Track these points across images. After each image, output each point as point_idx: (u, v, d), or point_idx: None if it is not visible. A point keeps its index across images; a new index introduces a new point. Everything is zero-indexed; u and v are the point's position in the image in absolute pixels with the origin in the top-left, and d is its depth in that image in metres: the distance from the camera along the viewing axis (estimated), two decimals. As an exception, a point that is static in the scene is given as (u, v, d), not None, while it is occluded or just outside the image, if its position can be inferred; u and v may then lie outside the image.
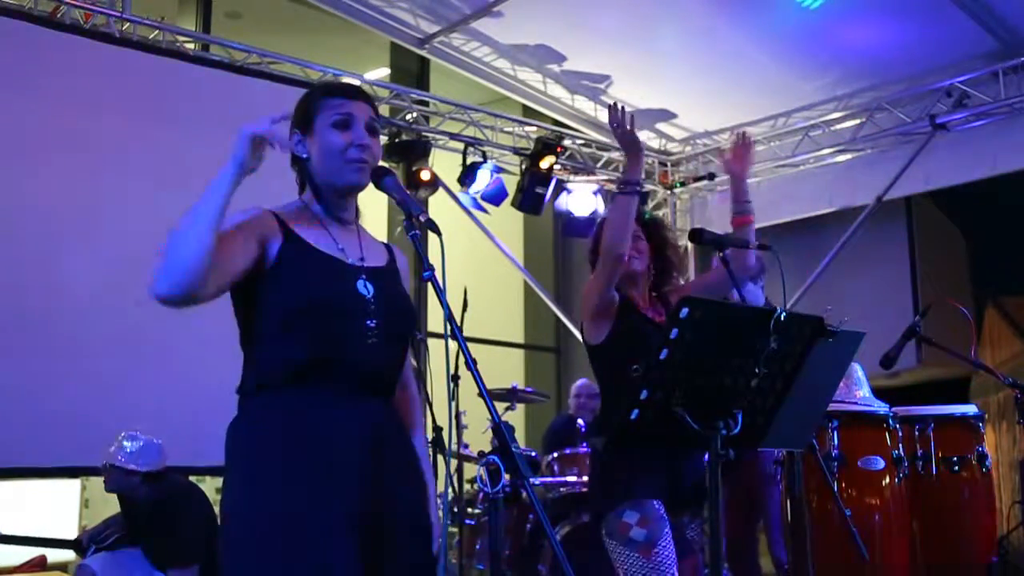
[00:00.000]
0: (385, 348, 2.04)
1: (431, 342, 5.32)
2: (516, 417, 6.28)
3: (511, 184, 7.11)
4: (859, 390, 3.94)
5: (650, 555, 2.66)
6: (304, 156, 2.11)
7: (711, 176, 7.75)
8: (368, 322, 2.02)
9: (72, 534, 5.78)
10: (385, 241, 2.29)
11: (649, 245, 3.08)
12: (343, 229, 2.13)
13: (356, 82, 6.59)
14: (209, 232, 1.87)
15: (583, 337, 3.02)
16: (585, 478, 4.92)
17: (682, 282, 3.36)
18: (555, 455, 5.46)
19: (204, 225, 1.88)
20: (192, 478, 4.81)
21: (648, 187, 8.02)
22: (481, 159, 6.93)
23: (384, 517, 1.99)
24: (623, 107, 2.91)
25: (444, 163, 6.99)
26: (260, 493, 1.93)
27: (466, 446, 5.31)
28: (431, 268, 1.93)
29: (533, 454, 5.76)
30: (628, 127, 2.88)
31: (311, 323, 1.97)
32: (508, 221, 8.11)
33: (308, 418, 1.97)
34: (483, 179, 6.89)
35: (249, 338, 2.05)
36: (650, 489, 2.74)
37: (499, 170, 7.06)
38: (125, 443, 4.20)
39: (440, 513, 2.19)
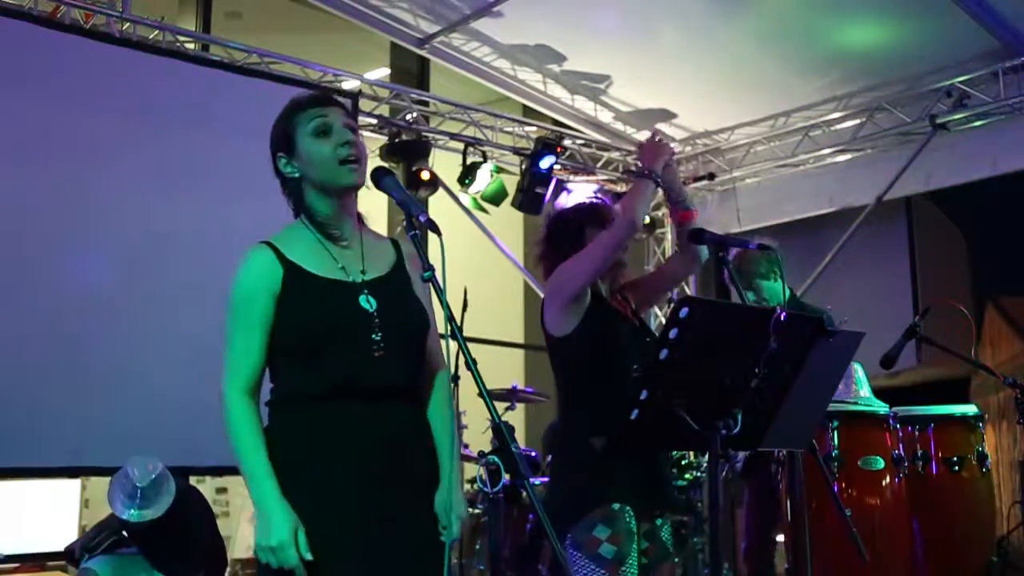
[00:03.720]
0: (395, 358, 2.08)
1: (431, 342, 5.32)
2: (516, 417, 6.28)
3: (511, 184, 7.11)
4: (859, 390, 3.94)
5: (617, 572, 2.62)
6: (295, 175, 2.12)
7: (711, 176, 7.74)
8: (374, 335, 2.05)
9: (72, 534, 5.77)
10: (390, 237, 2.29)
11: None
12: (343, 243, 2.15)
13: (356, 82, 6.59)
14: None
15: (545, 326, 2.87)
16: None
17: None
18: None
19: None
20: (192, 479, 4.81)
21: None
22: (481, 159, 6.93)
23: (398, 526, 2.04)
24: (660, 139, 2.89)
25: (444, 163, 6.98)
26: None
27: (466, 446, 5.31)
28: (431, 268, 1.95)
29: (533, 454, 5.76)
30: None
31: (317, 349, 2.04)
32: (508, 221, 8.10)
33: (328, 432, 2.03)
34: (483, 179, 6.89)
35: (271, 356, 2.10)
36: (622, 495, 2.68)
37: (499, 170, 7.06)
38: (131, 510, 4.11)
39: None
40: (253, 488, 1.99)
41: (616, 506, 2.67)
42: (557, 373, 2.93)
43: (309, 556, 1.94)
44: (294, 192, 2.16)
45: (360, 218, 2.22)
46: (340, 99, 2.24)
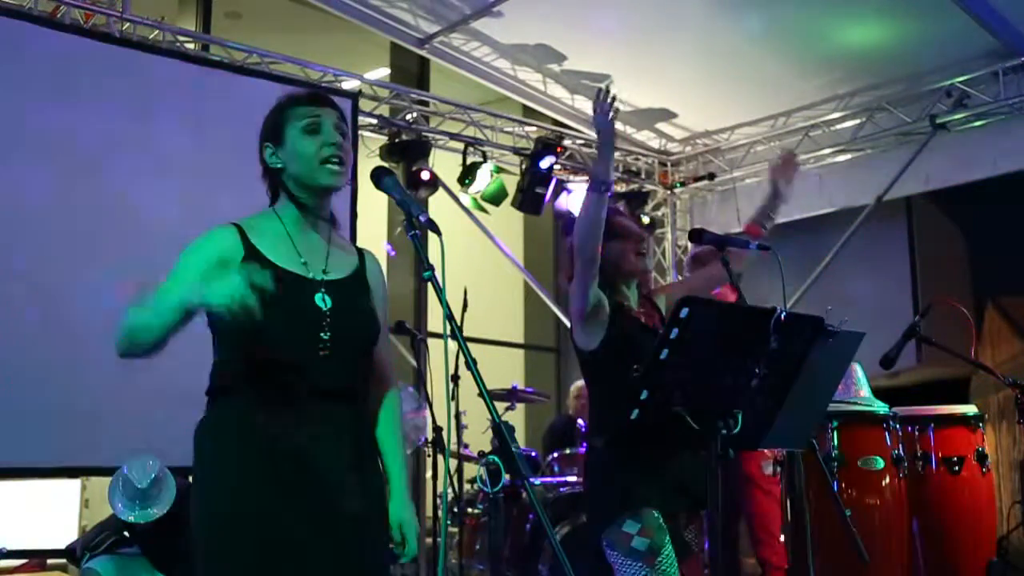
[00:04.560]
0: (340, 360, 2.06)
1: (431, 342, 5.32)
2: (516, 417, 6.29)
3: (511, 184, 7.11)
4: (859, 390, 3.94)
5: (654, 563, 2.67)
6: (278, 166, 2.13)
7: (711, 176, 7.75)
8: (322, 335, 2.04)
9: (72, 534, 5.77)
10: (360, 248, 2.30)
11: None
12: (310, 240, 2.14)
13: (356, 82, 6.59)
14: (164, 332, 2.03)
15: (573, 342, 2.96)
16: (585, 478, 4.91)
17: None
18: (555, 455, 5.47)
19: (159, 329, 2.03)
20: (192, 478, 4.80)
21: (648, 187, 8.02)
22: (481, 159, 6.94)
23: (338, 524, 2.01)
24: (613, 95, 2.78)
25: (444, 163, 6.99)
26: (215, 498, 2.01)
27: (466, 446, 5.31)
28: (431, 268, 1.94)
29: (533, 454, 5.76)
30: (611, 115, 2.76)
31: (265, 336, 2.00)
32: (508, 221, 8.11)
33: (262, 425, 2.01)
34: (483, 179, 6.90)
35: (214, 344, 2.11)
36: (649, 495, 2.72)
37: (499, 170, 7.07)
38: (134, 511, 4.12)
39: (441, 513, 2.20)
40: (166, 294, 1.98)
41: (644, 505, 2.72)
42: (587, 383, 3.05)
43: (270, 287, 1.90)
44: (273, 182, 2.17)
45: (333, 220, 2.22)
46: (337, 101, 2.23)
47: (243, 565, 1.94)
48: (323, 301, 2.07)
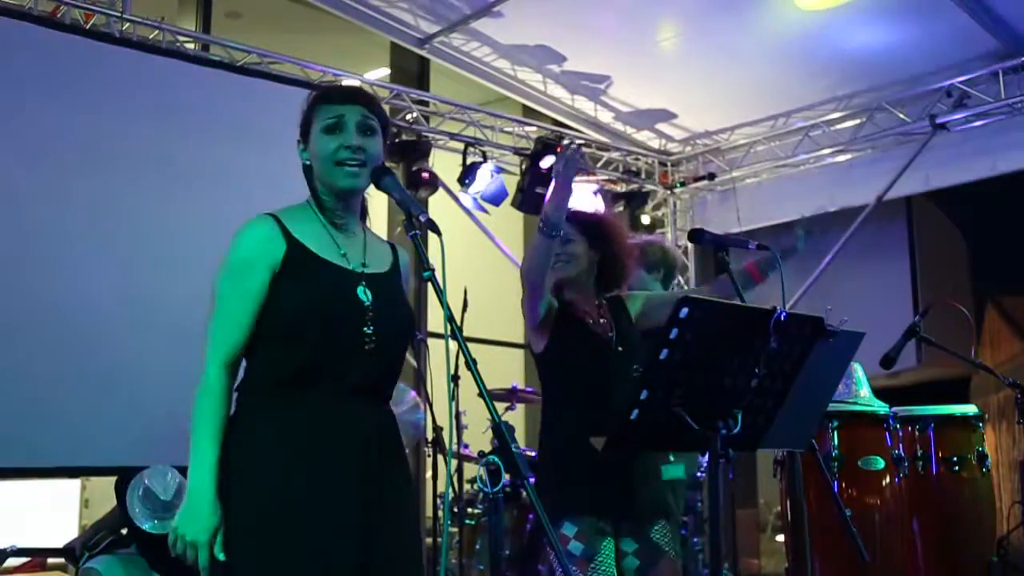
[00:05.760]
0: (381, 355, 2.06)
1: (431, 342, 5.32)
2: (516, 417, 6.28)
3: (511, 184, 7.11)
4: (859, 390, 3.95)
5: (587, 569, 2.67)
6: (307, 163, 2.14)
7: (711, 176, 7.75)
8: (366, 329, 2.03)
9: (72, 534, 5.77)
10: (389, 241, 2.30)
11: (591, 248, 3.02)
12: (347, 233, 2.14)
13: (356, 82, 6.58)
14: None
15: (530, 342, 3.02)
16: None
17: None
18: (555, 455, 5.46)
19: None
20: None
21: (648, 187, 8.02)
22: (481, 159, 6.93)
23: (373, 520, 2.01)
24: (579, 148, 2.93)
25: (444, 163, 6.98)
26: (254, 494, 1.98)
27: (466, 446, 5.31)
28: (431, 268, 1.94)
29: (533, 454, 5.76)
30: (572, 163, 2.82)
31: (310, 329, 2.00)
32: (508, 221, 8.10)
33: (302, 421, 2.00)
34: (483, 179, 6.89)
35: (250, 339, 2.06)
36: (588, 500, 2.74)
37: (499, 170, 7.06)
38: (154, 521, 4.17)
39: (441, 513, 2.22)
40: (193, 473, 1.99)
41: (584, 507, 2.75)
42: (541, 384, 3.10)
43: (222, 557, 1.94)
44: (307, 177, 2.18)
45: (364, 213, 2.22)
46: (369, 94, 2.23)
47: (283, 561, 1.94)
48: (364, 295, 2.06)
